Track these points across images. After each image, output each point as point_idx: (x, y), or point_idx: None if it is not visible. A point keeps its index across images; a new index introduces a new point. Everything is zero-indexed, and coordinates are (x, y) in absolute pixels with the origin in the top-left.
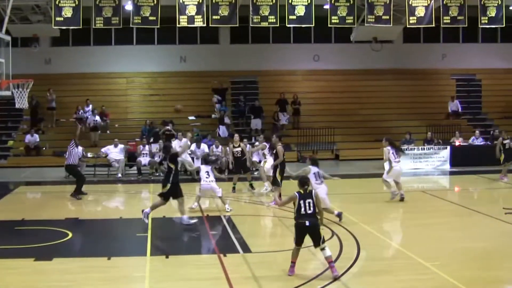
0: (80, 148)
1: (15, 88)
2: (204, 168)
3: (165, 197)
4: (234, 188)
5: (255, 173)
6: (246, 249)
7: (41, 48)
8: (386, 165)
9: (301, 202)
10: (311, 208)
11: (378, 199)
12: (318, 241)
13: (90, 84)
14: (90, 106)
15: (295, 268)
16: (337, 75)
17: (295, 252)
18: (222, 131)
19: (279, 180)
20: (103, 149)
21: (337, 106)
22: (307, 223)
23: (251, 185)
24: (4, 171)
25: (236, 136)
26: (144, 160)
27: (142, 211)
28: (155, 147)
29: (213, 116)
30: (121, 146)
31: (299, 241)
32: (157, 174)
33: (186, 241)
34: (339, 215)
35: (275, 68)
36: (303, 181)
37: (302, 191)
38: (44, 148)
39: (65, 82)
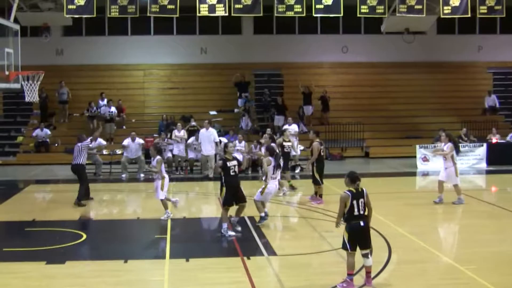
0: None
1: (24, 81)
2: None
3: (224, 204)
4: (292, 186)
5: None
6: (271, 251)
7: (52, 38)
8: (449, 163)
9: (354, 202)
10: (364, 208)
11: (410, 198)
12: (367, 244)
13: (105, 77)
14: (105, 100)
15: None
16: (367, 68)
17: (351, 260)
18: (245, 123)
19: (318, 178)
20: (125, 142)
21: (367, 101)
22: (361, 223)
23: (291, 186)
24: (13, 169)
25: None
26: (178, 149)
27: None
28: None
29: (235, 110)
30: (139, 140)
31: (353, 246)
32: (178, 173)
33: (207, 243)
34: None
35: (301, 60)
36: (354, 177)
37: (353, 190)
38: (56, 145)
39: (78, 75)
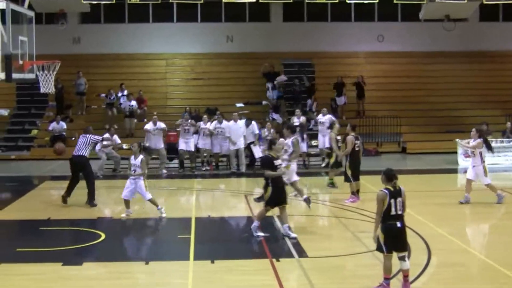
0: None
1: (39, 71)
2: None
3: (268, 203)
4: (332, 183)
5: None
6: (302, 253)
7: (69, 26)
8: (477, 161)
9: (392, 201)
10: (401, 208)
11: (450, 197)
12: (404, 247)
13: (124, 67)
14: (125, 91)
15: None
16: (404, 58)
17: (387, 263)
18: (276, 118)
19: (349, 174)
20: (146, 126)
21: (404, 92)
22: (398, 224)
23: (331, 183)
24: (27, 164)
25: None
26: (203, 142)
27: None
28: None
29: (263, 102)
30: (160, 124)
31: (390, 248)
32: (204, 168)
33: (234, 244)
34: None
35: (333, 49)
36: (390, 175)
37: (391, 188)
38: (73, 138)
39: (96, 65)
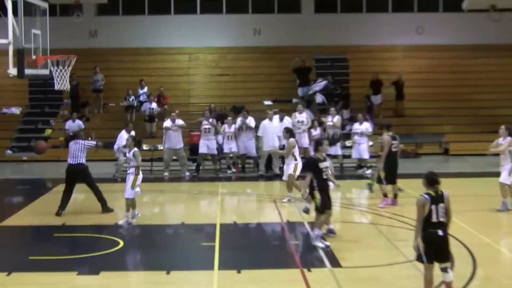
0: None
1: (54, 66)
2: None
3: (322, 209)
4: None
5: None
6: (335, 263)
7: (85, 18)
8: (506, 161)
9: (433, 207)
10: (444, 215)
11: (498, 203)
12: (447, 257)
13: (144, 62)
14: (145, 89)
15: None
16: (446, 52)
17: (428, 275)
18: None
19: (382, 176)
20: (165, 123)
21: (446, 89)
22: (440, 232)
23: (370, 184)
24: (41, 166)
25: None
26: (228, 146)
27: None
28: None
29: (293, 100)
30: (179, 121)
31: (430, 258)
32: (230, 171)
33: (261, 253)
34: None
35: (369, 43)
36: (432, 179)
37: (432, 193)
38: (89, 138)
39: (114, 59)
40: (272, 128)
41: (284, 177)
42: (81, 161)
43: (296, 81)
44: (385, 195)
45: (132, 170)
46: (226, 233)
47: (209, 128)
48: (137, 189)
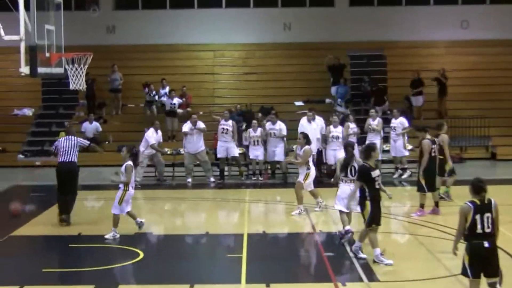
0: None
1: (69, 64)
2: None
3: (371, 222)
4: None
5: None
6: (372, 276)
7: (102, 13)
8: None
9: (477, 217)
10: (490, 225)
11: None
12: (495, 271)
13: (166, 60)
14: (167, 89)
15: None
16: (492, 47)
17: None
18: (342, 110)
19: (423, 183)
20: (184, 127)
21: (493, 88)
22: (486, 244)
23: (447, 192)
24: (54, 171)
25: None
26: (255, 152)
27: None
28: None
29: (327, 100)
30: (200, 125)
31: (476, 272)
32: (255, 178)
33: (292, 265)
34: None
35: (408, 38)
36: (477, 186)
37: (477, 201)
38: (106, 142)
39: (133, 57)
40: (312, 131)
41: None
42: (73, 159)
43: (330, 79)
44: (422, 206)
45: (121, 184)
46: (253, 244)
47: (227, 129)
48: (126, 207)
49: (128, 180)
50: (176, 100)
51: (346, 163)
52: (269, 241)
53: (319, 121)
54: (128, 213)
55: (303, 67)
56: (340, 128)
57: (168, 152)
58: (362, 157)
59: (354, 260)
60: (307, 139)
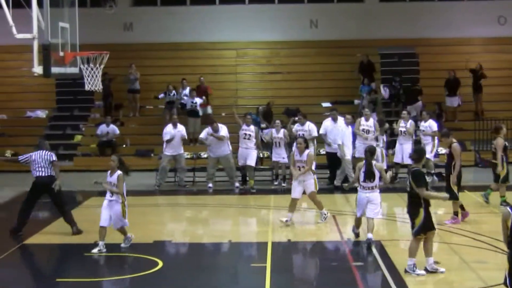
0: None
1: (84, 64)
2: None
3: (420, 231)
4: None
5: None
6: (402, 286)
7: (119, 9)
8: None
9: None
10: None
11: None
12: None
13: (186, 59)
14: (187, 89)
15: None
16: None
17: None
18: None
19: (455, 190)
20: (201, 135)
21: None
22: None
23: (504, 201)
24: (70, 176)
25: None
26: (278, 154)
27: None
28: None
29: (355, 101)
30: (221, 131)
31: None
32: (277, 183)
33: (319, 275)
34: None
35: (442, 35)
36: None
37: None
38: (124, 146)
39: (151, 55)
40: (338, 132)
41: (296, 195)
42: (51, 173)
43: (360, 79)
44: (455, 213)
45: (116, 197)
46: (278, 253)
47: (249, 135)
48: (126, 220)
49: (121, 191)
50: (198, 100)
51: (366, 169)
52: (294, 250)
53: (341, 121)
54: (102, 229)
55: (330, 66)
56: (372, 121)
57: (188, 156)
58: (413, 161)
59: (384, 270)
60: (306, 143)
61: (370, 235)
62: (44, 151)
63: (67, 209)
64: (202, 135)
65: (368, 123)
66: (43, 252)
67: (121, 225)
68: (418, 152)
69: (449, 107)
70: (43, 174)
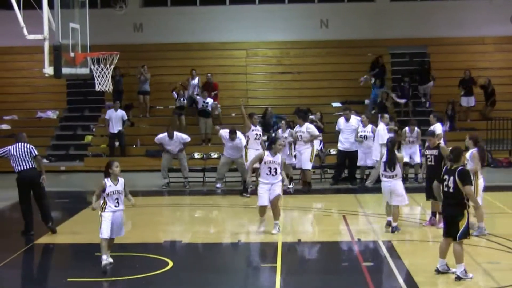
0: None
1: (94, 64)
2: None
3: (465, 235)
4: None
5: None
6: (413, 287)
7: (129, 10)
8: None
9: None
10: None
11: None
12: None
13: (196, 59)
14: (196, 79)
15: None
16: None
17: None
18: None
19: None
20: (222, 132)
21: None
22: None
23: None
24: (80, 177)
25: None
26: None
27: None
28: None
29: (366, 101)
30: (239, 138)
31: None
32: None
33: (330, 276)
34: None
35: (454, 34)
36: None
37: None
38: (134, 146)
39: (162, 56)
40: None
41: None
42: (33, 166)
43: (371, 79)
44: (434, 214)
45: (122, 205)
46: (288, 253)
47: (259, 135)
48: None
49: (96, 200)
50: (210, 100)
51: (388, 158)
52: (304, 250)
53: (354, 120)
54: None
55: (341, 66)
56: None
57: (198, 156)
58: (451, 161)
59: (395, 270)
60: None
61: (393, 224)
62: (22, 144)
63: (47, 204)
64: (224, 133)
65: (366, 129)
66: (54, 252)
67: (119, 235)
68: (454, 152)
69: (463, 107)
70: (26, 168)
